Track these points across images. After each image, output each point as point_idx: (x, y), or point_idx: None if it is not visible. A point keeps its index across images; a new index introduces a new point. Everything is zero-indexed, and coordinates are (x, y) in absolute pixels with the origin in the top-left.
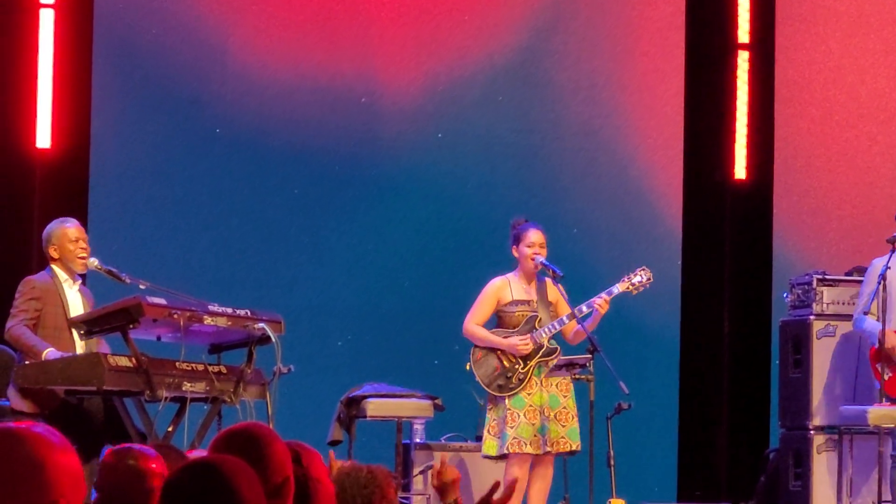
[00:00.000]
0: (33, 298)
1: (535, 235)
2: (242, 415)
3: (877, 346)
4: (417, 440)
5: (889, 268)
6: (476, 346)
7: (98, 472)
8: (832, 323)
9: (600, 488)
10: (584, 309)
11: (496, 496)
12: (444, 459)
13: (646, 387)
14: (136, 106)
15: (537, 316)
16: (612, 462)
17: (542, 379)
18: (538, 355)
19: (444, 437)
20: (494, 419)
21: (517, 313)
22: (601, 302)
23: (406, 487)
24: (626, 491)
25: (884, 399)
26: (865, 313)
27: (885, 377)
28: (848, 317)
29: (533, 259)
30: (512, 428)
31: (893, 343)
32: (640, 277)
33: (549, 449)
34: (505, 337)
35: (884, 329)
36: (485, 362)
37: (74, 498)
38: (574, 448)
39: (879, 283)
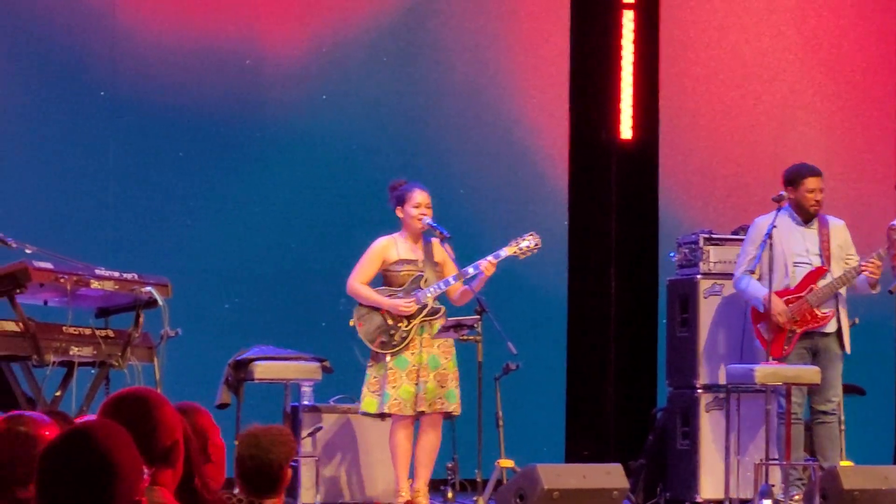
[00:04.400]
0: None
1: (420, 196)
2: (130, 379)
3: (760, 309)
4: (306, 402)
5: (775, 226)
6: (360, 305)
7: None
8: (718, 282)
9: (489, 450)
10: (471, 271)
11: None
12: None
13: (534, 347)
14: (18, 67)
15: (423, 276)
16: (500, 423)
17: (425, 339)
18: (422, 315)
19: (333, 399)
20: (375, 376)
21: (403, 272)
22: (486, 265)
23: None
24: (515, 452)
25: (769, 358)
26: (750, 272)
27: (768, 339)
28: None
29: (420, 220)
30: (394, 388)
31: (778, 309)
32: (528, 242)
33: (423, 409)
34: (389, 296)
35: (770, 291)
36: (369, 319)
37: None
38: (452, 410)
39: (766, 241)
